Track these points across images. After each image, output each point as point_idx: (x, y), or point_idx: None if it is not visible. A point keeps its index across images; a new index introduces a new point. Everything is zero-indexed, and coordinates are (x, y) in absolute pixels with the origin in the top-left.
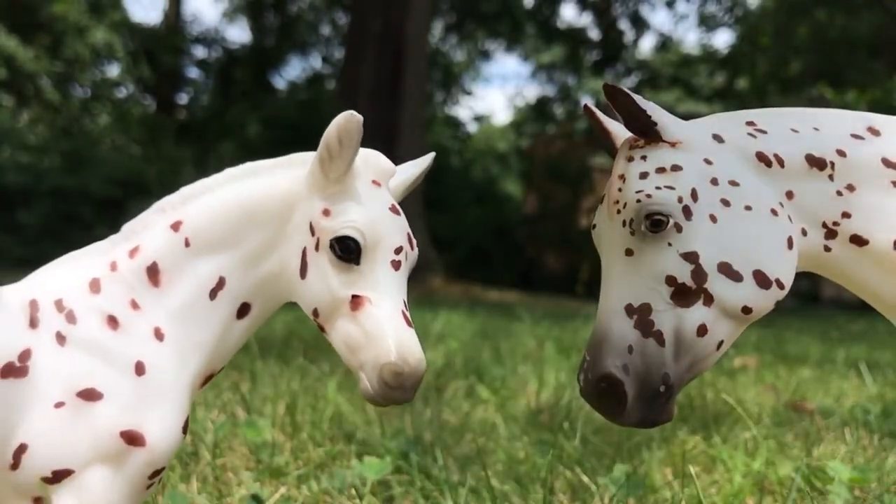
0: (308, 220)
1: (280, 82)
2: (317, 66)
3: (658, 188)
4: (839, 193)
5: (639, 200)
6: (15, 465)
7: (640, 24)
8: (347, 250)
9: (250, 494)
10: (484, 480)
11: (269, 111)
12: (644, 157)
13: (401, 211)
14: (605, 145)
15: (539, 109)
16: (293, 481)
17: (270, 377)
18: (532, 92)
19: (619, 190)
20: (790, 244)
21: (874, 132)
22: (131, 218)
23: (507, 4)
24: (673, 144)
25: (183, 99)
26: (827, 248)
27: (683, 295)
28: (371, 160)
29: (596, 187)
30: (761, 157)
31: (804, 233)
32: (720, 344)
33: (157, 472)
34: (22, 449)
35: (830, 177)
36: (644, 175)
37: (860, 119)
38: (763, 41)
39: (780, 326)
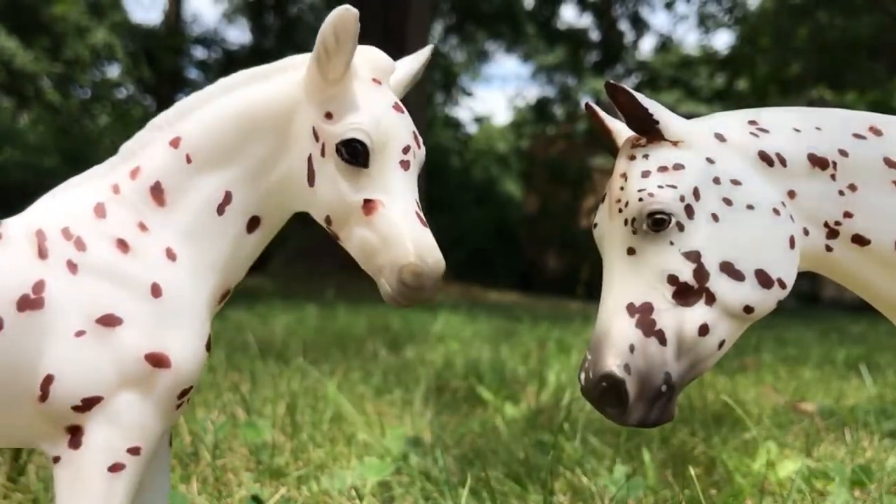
0: (310, 126)
1: None
2: None
3: (660, 187)
4: (841, 193)
5: (641, 199)
6: (44, 397)
7: (640, 25)
8: (355, 153)
9: (250, 495)
10: (484, 481)
11: None
12: (646, 156)
13: (404, 109)
14: (607, 145)
15: (539, 110)
16: (293, 482)
17: (270, 378)
18: (532, 93)
19: (621, 189)
20: (792, 244)
21: (876, 132)
22: None
23: (507, 5)
24: (675, 143)
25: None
26: (828, 248)
27: (685, 294)
28: (369, 57)
29: (596, 188)
30: (763, 156)
31: (806, 232)
32: (722, 343)
33: (185, 392)
34: (49, 380)
35: (832, 176)
36: (646, 174)
37: (862, 119)
38: (763, 42)
39: (781, 327)
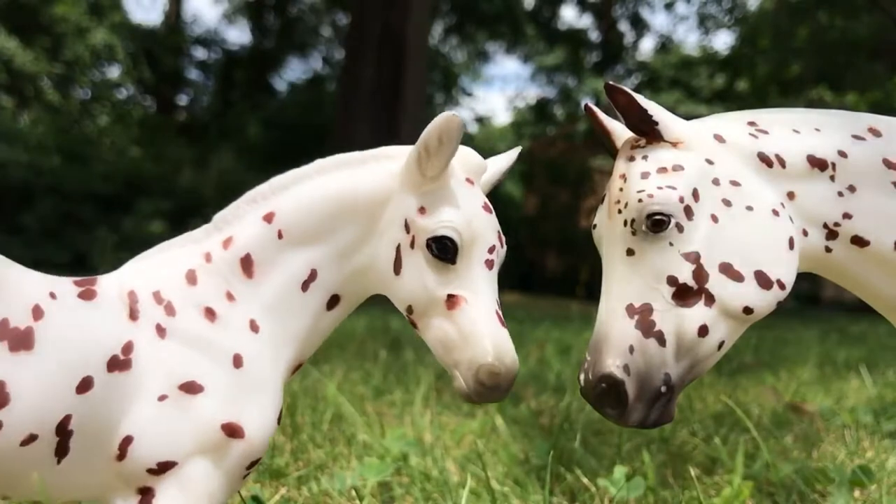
0: (402, 217)
1: (280, 83)
2: (317, 67)
3: (659, 188)
4: (840, 194)
5: (640, 200)
6: (121, 457)
7: (640, 26)
8: (444, 250)
9: (251, 496)
10: (484, 482)
11: (270, 112)
12: (645, 157)
13: (492, 209)
14: (606, 146)
15: (539, 111)
16: (293, 483)
17: None
18: (532, 93)
19: (620, 190)
20: (791, 245)
21: (875, 133)
22: (132, 217)
23: (508, 6)
24: (674, 144)
25: (183, 100)
26: (828, 249)
27: (684, 295)
28: (465, 158)
29: (596, 189)
30: (762, 157)
31: (805, 233)
32: (721, 344)
33: (253, 464)
34: (128, 441)
35: (832, 177)
36: (645, 175)
37: (862, 120)
38: (763, 43)
39: (781, 328)
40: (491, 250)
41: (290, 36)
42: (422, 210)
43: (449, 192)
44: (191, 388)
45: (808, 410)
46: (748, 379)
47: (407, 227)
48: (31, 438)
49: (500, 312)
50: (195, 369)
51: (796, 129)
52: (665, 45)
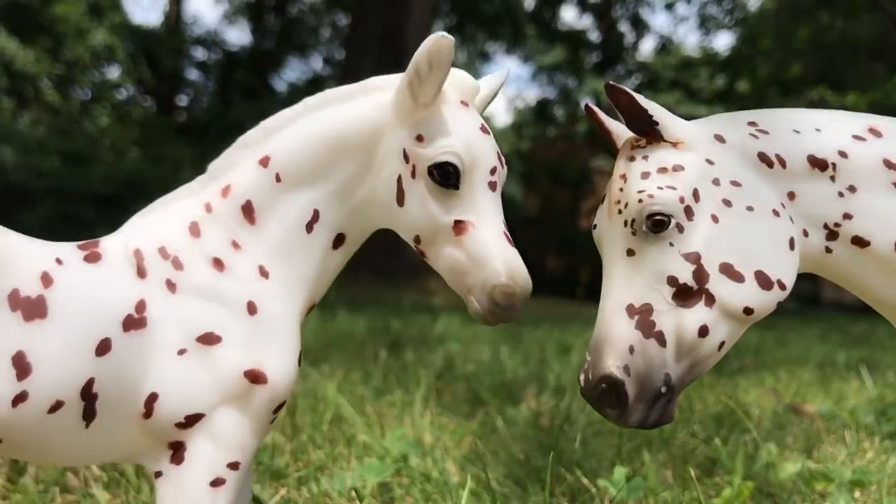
0: (400, 147)
1: (280, 84)
2: (317, 67)
3: (660, 188)
4: (840, 195)
5: (640, 200)
6: (148, 414)
7: (640, 27)
8: (447, 176)
9: (251, 496)
10: (484, 483)
11: (270, 113)
12: (646, 157)
13: (489, 130)
14: (607, 146)
15: (539, 111)
16: (293, 483)
17: None
18: (532, 94)
19: (621, 190)
20: (791, 245)
21: (876, 133)
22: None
23: (508, 7)
24: (675, 144)
25: (183, 101)
26: (828, 250)
27: (685, 295)
28: (457, 80)
29: (597, 190)
30: (763, 157)
31: (805, 234)
32: (721, 345)
33: (279, 407)
34: (153, 397)
35: (832, 178)
36: (646, 175)
37: (862, 120)
38: (763, 44)
39: (781, 328)
40: (493, 171)
41: (290, 36)
42: (419, 138)
43: (445, 117)
44: (208, 339)
45: (809, 411)
46: (748, 380)
47: (406, 157)
48: (58, 405)
49: (508, 234)
50: (210, 320)
51: (797, 130)
52: (665, 45)
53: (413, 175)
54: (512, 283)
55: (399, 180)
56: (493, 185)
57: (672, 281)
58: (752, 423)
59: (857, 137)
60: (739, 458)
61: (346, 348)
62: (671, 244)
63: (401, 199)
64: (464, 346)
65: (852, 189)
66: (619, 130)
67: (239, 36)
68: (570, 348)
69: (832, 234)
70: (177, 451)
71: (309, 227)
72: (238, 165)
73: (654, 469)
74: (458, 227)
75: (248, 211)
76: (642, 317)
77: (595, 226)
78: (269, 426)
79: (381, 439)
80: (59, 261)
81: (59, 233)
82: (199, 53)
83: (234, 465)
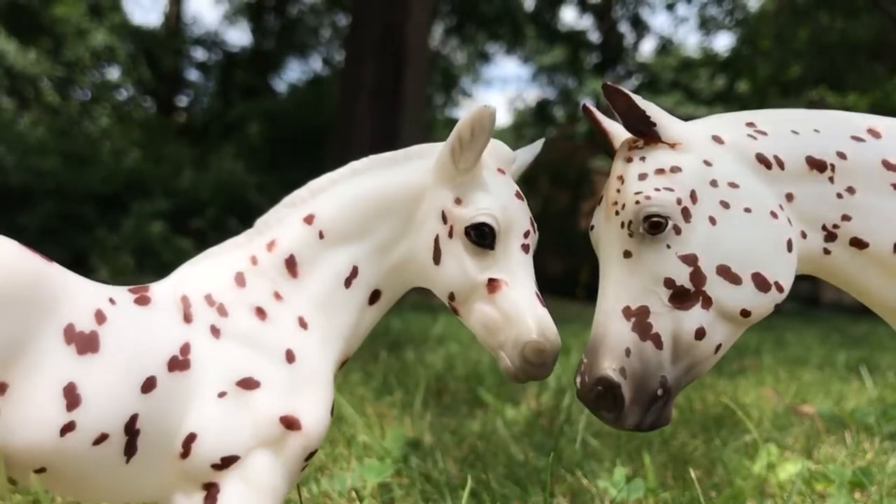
0: (439, 209)
1: (280, 85)
2: (317, 68)
3: (657, 189)
4: (839, 196)
5: (637, 202)
6: (185, 454)
7: (640, 27)
8: (482, 236)
9: None
10: (484, 483)
11: (270, 113)
12: (643, 158)
13: (524, 197)
14: (604, 146)
15: (539, 112)
16: None
17: None
18: (532, 95)
19: (618, 191)
20: (789, 247)
21: (875, 134)
22: (132, 218)
23: (508, 7)
24: (672, 145)
25: (183, 101)
26: (826, 251)
27: (682, 297)
28: (495, 149)
29: (597, 190)
30: (761, 158)
31: (804, 235)
32: (718, 347)
33: (310, 455)
34: (191, 438)
35: (831, 179)
36: (643, 176)
37: (861, 120)
38: (763, 44)
39: (781, 329)
40: (526, 235)
41: (290, 37)
42: (458, 201)
43: (482, 181)
44: (248, 384)
45: (809, 412)
46: (749, 380)
47: (444, 218)
48: (103, 438)
49: (539, 295)
50: (251, 366)
51: (795, 130)
52: (665, 46)
53: (450, 235)
54: (543, 339)
55: (437, 240)
56: (526, 248)
57: (669, 283)
58: (752, 424)
59: (855, 138)
60: (740, 459)
61: None
62: (668, 246)
63: (437, 258)
64: (464, 346)
65: (851, 190)
66: (617, 131)
67: (239, 36)
68: (569, 349)
69: (831, 236)
70: (210, 493)
71: (348, 283)
72: (284, 222)
73: (654, 470)
74: (492, 285)
75: (291, 265)
76: (639, 319)
77: (592, 227)
78: (300, 475)
79: (382, 440)
80: (112, 301)
81: (59, 233)
82: (199, 54)
83: None
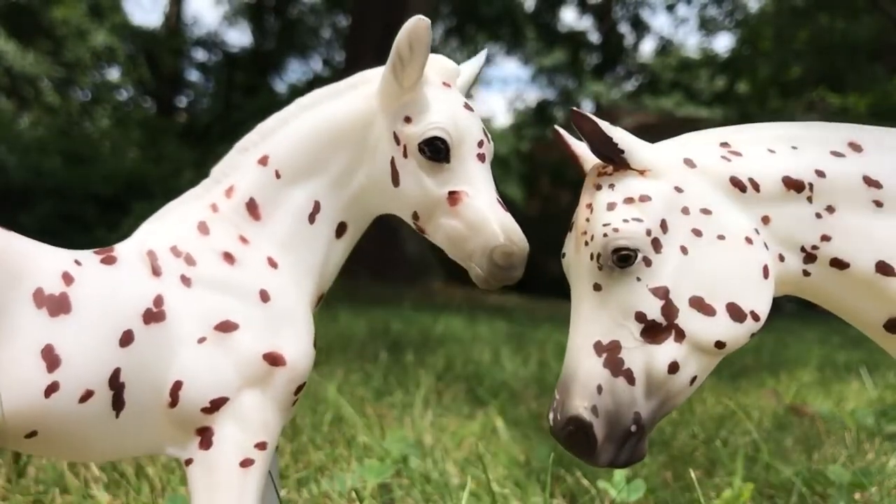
0: (390, 131)
1: (281, 85)
2: (317, 69)
3: (625, 220)
4: (818, 216)
5: (605, 234)
6: (174, 403)
7: (640, 28)
8: (437, 150)
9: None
10: (484, 484)
11: (270, 114)
12: (612, 186)
13: (473, 108)
14: (576, 169)
15: (539, 113)
16: (293, 484)
17: None
18: (532, 95)
19: (587, 220)
20: (765, 273)
21: (856, 148)
22: (133, 219)
23: (507, 8)
24: (642, 172)
25: (183, 102)
26: (806, 273)
27: (654, 331)
28: (438, 64)
29: None
30: (735, 181)
31: (781, 258)
32: (693, 379)
33: (299, 388)
34: (178, 386)
35: (809, 199)
36: (611, 206)
37: (842, 134)
38: (763, 45)
39: (781, 330)
40: (480, 144)
41: (290, 37)
42: (407, 119)
43: (429, 97)
44: (226, 326)
45: (809, 412)
46: (749, 381)
47: (396, 139)
48: (88, 394)
49: (501, 200)
50: (226, 308)
51: (771, 149)
52: (665, 47)
53: (405, 154)
54: (510, 243)
55: (392, 162)
56: (482, 157)
57: (640, 317)
58: (752, 425)
59: (835, 154)
60: (740, 460)
61: (347, 349)
62: (638, 279)
63: (396, 180)
64: (464, 347)
65: (830, 209)
66: (588, 155)
67: (239, 37)
68: None
69: (810, 257)
70: (205, 437)
71: (311, 219)
72: (239, 167)
73: (654, 470)
74: (453, 197)
75: (252, 208)
76: (610, 354)
77: (564, 254)
78: (292, 408)
79: (382, 440)
80: (77, 262)
81: (59, 233)
82: (200, 54)
83: (261, 446)
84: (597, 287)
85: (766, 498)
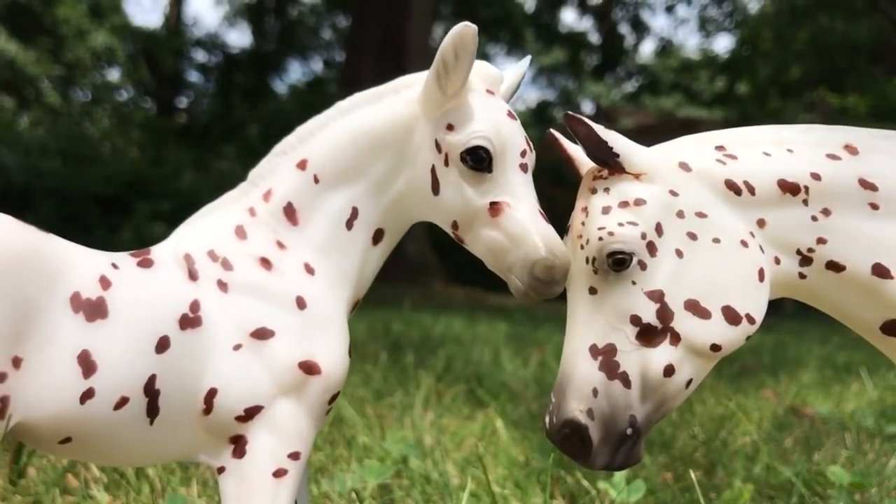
0: (432, 138)
1: (281, 86)
2: (317, 69)
3: (620, 224)
4: (814, 218)
5: (601, 238)
6: (208, 410)
7: (640, 29)
8: (479, 160)
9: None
10: (484, 484)
11: (270, 114)
12: (607, 190)
13: (516, 116)
14: (572, 173)
15: (540, 113)
16: None
17: None
18: (532, 96)
19: (583, 223)
20: (761, 276)
21: (852, 150)
22: (134, 220)
23: (508, 9)
24: (637, 176)
25: (183, 102)
26: (802, 276)
27: (649, 335)
28: (482, 70)
29: None
30: (730, 185)
31: (777, 261)
32: (689, 382)
33: (333, 397)
34: (212, 393)
35: (804, 201)
36: (606, 210)
37: (838, 137)
38: (763, 46)
39: (780, 331)
40: (523, 154)
41: (290, 38)
42: (449, 127)
43: (472, 105)
44: (262, 333)
45: (809, 413)
46: (749, 382)
47: (438, 147)
48: (124, 401)
49: (542, 212)
50: (262, 315)
51: (767, 152)
52: (665, 47)
53: (446, 163)
54: (552, 256)
55: (433, 170)
56: (524, 168)
57: (635, 320)
58: (752, 426)
59: (831, 156)
60: (739, 461)
61: None
62: (633, 282)
63: (436, 188)
64: (464, 347)
65: (826, 212)
66: (583, 158)
67: (239, 38)
68: None
69: (806, 260)
70: (238, 445)
71: (349, 225)
72: (277, 171)
73: (654, 471)
74: (494, 208)
75: (290, 212)
76: (606, 358)
77: None
78: (326, 417)
79: (382, 441)
80: (114, 266)
81: (59, 234)
82: (200, 55)
83: (294, 456)
84: (592, 290)
85: (766, 498)
